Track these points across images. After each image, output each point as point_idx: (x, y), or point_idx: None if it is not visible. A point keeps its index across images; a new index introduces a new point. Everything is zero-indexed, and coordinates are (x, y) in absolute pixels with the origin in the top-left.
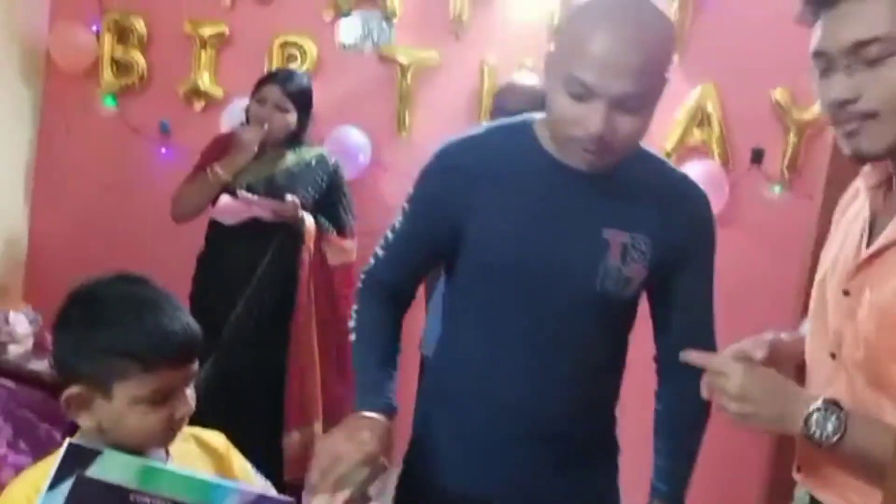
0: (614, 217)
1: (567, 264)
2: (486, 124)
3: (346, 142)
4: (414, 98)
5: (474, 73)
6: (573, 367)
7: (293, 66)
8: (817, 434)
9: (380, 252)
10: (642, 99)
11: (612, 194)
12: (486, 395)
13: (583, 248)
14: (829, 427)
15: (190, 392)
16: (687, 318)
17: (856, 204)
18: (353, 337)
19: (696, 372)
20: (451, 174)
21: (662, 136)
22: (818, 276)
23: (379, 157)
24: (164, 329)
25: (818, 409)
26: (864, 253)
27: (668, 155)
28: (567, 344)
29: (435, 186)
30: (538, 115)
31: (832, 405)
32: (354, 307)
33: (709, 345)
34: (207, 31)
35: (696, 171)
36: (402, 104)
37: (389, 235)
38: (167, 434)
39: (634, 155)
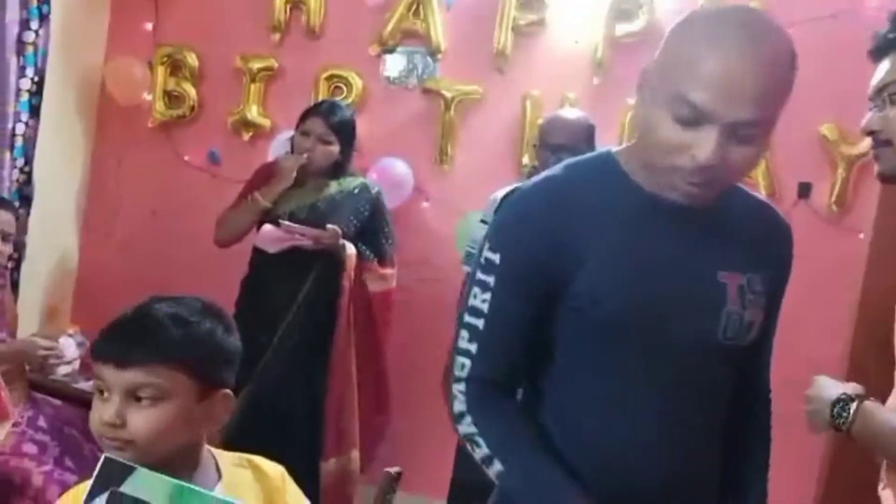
0: (726, 256)
1: (688, 315)
2: (562, 164)
3: (390, 172)
4: (456, 130)
5: (516, 106)
6: (709, 437)
7: (339, 98)
8: (837, 421)
9: (469, 347)
10: (760, 127)
11: (717, 231)
12: (614, 475)
13: (702, 295)
14: (844, 414)
15: (139, 409)
16: (763, 354)
17: None
18: (495, 467)
19: (769, 405)
20: (542, 230)
21: None
22: None
23: (421, 186)
24: (114, 325)
25: (840, 399)
26: None
27: None
28: (700, 410)
29: (527, 249)
30: (615, 147)
31: (851, 396)
32: (470, 430)
33: (767, 380)
34: (257, 65)
35: None
36: (444, 136)
37: (475, 323)
38: (98, 437)
39: None
